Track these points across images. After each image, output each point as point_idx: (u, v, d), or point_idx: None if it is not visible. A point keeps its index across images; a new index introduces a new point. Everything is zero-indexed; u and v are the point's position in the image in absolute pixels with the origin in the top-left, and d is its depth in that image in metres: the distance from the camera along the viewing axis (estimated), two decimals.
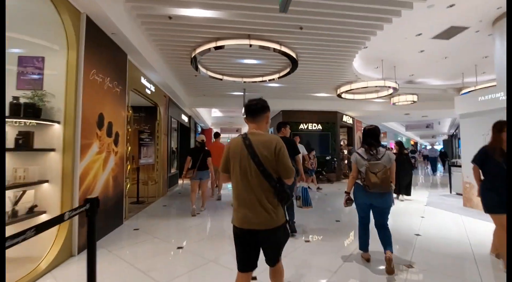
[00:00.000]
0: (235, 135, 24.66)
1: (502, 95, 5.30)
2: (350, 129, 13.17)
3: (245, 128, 21.91)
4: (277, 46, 5.23)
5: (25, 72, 3.23)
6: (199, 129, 16.83)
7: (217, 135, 7.16)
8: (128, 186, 5.01)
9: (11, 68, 3.14)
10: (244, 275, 1.72)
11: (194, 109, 11.20)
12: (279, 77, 7.01)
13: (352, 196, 2.95)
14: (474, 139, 5.79)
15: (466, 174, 6.03)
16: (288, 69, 6.51)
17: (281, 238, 1.73)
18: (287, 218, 3.25)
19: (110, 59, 4.13)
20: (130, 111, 5.13)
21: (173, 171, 9.19)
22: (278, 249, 1.76)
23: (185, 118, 11.33)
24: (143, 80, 5.86)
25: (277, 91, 9.50)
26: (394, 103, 10.31)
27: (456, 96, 6.43)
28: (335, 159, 10.72)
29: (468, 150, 5.98)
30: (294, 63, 5.93)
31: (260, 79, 7.31)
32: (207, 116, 15.12)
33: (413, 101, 9.67)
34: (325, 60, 6.33)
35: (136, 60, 5.15)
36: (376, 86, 7.87)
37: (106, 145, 3.99)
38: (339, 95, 8.97)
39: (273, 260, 1.77)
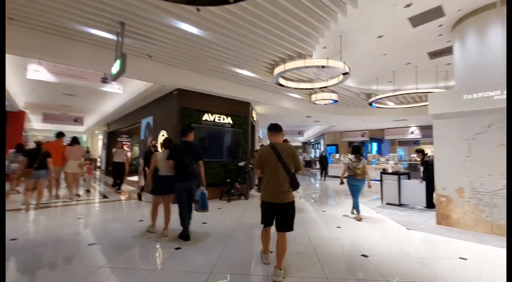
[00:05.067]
0: (72, 127, 16.49)
1: (498, 94, 4.45)
2: (251, 129, 10.76)
3: (91, 118, 14.93)
4: None
5: None
6: None
7: (60, 135, 6.72)
8: None
9: None
10: (268, 228, 2.94)
11: None
12: None
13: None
14: (452, 144, 4.82)
15: (442, 185, 4.95)
16: None
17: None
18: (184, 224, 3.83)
19: None
20: None
21: None
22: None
23: None
24: None
25: (178, 51, 5.47)
26: (314, 102, 8.91)
27: (430, 93, 5.36)
28: (250, 166, 7.90)
29: (443, 156, 4.96)
30: None
31: None
32: (15, 87, 8.05)
33: (334, 100, 8.59)
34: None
35: None
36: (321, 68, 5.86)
37: None
38: (282, 77, 6.26)
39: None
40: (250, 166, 7.67)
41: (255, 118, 10.46)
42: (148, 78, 6.24)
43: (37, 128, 17.50)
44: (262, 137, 16.67)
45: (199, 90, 7.05)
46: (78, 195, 7.10)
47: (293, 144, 25.76)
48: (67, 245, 3.51)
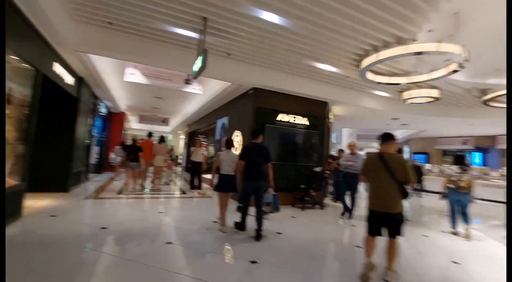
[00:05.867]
0: (160, 127, 18.67)
1: None
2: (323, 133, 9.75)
3: (175, 119, 16.50)
4: None
5: None
6: (103, 111, 10.77)
7: (150, 135, 7.87)
8: None
9: None
10: (374, 237, 2.81)
11: (88, 61, 5.72)
12: None
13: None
14: None
15: None
16: None
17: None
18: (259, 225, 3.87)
19: None
20: None
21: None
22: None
23: (66, 77, 5.70)
24: None
25: (256, 47, 5.22)
26: (406, 101, 7.51)
27: None
28: (328, 172, 7.13)
29: None
30: None
31: None
32: (119, 91, 9.34)
33: (434, 98, 7.02)
34: None
35: None
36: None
37: None
38: (371, 71, 5.36)
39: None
40: (328, 172, 6.89)
41: (331, 120, 9.56)
42: (226, 77, 6.23)
43: (135, 127, 20.50)
44: (335, 141, 15.42)
45: (275, 89, 6.71)
46: (159, 188, 7.91)
47: (369, 150, 23.18)
48: (147, 240, 3.56)
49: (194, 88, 7.67)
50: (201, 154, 7.92)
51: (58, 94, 6.02)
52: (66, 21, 4.36)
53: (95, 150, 10.57)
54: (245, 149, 4.06)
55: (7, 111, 4.56)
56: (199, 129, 13.88)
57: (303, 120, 7.28)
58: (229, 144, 4.47)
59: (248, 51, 5.34)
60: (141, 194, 7.08)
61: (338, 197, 7.64)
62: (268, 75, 6.38)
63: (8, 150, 4.54)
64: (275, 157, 6.65)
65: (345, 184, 5.75)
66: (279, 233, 4.22)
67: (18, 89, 4.36)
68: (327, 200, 7.86)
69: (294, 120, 7.14)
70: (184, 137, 18.67)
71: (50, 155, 6.25)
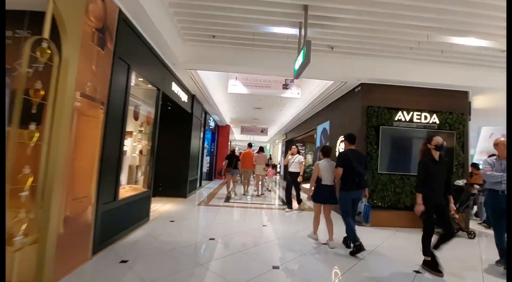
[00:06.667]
0: (259, 137, 19.55)
1: None
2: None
3: (273, 129, 16.79)
4: None
5: None
6: (212, 124, 11.94)
7: (250, 145, 8.68)
8: None
9: None
10: None
11: (198, 79, 6.25)
12: None
13: None
14: None
15: None
16: None
17: None
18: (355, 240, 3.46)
19: None
20: None
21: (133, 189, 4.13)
22: None
23: (182, 95, 6.41)
24: None
25: (365, 31, 4.34)
26: None
27: None
28: (478, 186, 5.22)
29: None
30: None
31: None
32: (224, 105, 10.13)
33: None
34: None
35: None
36: None
37: None
38: None
39: None
40: (478, 186, 4.98)
41: (470, 116, 7.21)
42: (328, 76, 5.56)
43: (237, 138, 22.28)
44: (480, 148, 11.81)
45: (390, 82, 5.50)
46: (260, 193, 8.58)
47: None
48: (252, 259, 3.23)
49: (292, 92, 7.34)
50: (297, 162, 6.74)
51: (176, 111, 6.86)
52: (178, 42, 4.81)
53: (206, 160, 11.80)
54: (343, 155, 3.77)
55: (141, 129, 5.41)
56: (296, 137, 13.50)
57: (431, 118, 5.65)
58: (327, 152, 4.16)
59: (354, 38, 4.51)
60: (245, 201, 7.34)
61: (489, 223, 5.31)
62: (380, 65, 5.28)
63: (142, 161, 5.34)
64: (395, 166, 5.40)
65: (497, 208, 3.32)
66: (417, 271, 3.10)
67: (144, 108, 5.05)
68: (475, 225, 5.79)
69: (419, 119, 5.63)
70: (281, 146, 18.77)
71: (171, 164, 7.14)
